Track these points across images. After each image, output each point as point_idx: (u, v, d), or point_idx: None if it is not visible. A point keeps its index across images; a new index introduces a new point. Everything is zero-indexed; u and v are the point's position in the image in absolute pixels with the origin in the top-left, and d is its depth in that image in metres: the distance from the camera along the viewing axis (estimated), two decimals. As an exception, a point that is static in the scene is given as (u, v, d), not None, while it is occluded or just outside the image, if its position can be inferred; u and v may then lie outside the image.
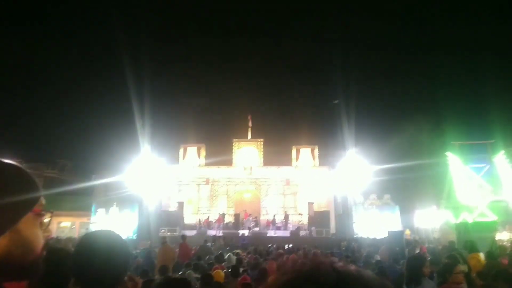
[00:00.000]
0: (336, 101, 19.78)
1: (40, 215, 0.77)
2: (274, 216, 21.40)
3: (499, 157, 14.37)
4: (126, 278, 1.46)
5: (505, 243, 9.38)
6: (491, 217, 13.07)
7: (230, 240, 15.68)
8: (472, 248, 6.55)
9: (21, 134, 18.71)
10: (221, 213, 21.70)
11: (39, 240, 0.76)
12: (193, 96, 32.61)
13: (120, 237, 1.18)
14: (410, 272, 3.48)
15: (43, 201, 0.79)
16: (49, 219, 0.80)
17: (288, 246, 14.12)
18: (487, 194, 14.11)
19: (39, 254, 0.75)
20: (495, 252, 5.54)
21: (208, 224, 20.85)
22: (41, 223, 0.78)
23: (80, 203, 21.53)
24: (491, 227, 9.67)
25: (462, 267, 3.37)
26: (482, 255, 6.04)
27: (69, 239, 13.48)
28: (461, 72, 32.74)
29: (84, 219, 21.74)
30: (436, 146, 18.10)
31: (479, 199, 13.81)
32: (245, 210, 22.08)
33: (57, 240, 15.25)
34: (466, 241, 7.33)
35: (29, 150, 19.07)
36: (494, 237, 9.21)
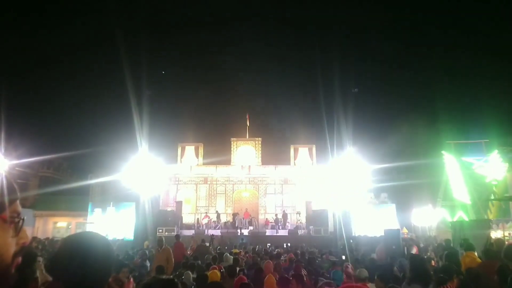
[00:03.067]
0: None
1: (7, 221, 0.72)
2: (276, 215, 21.50)
3: (493, 156, 14.60)
4: (110, 279, 1.45)
5: (499, 241, 9.54)
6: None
7: (228, 239, 15.76)
8: (468, 246, 6.67)
9: (16, 133, 18.47)
10: (207, 212, 21.81)
11: (7, 247, 0.71)
12: (192, 95, 32.56)
13: (104, 239, 1.17)
14: (416, 272, 3.49)
15: (18, 207, 0.74)
16: (21, 221, 0.75)
17: (286, 245, 14.24)
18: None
19: (10, 261, 0.71)
20: (491, 250, 5.66)
21: (207, 224, 20.88)
22: (14, 230, 0.73)
23: (76, 203, 21.35)
24: (486, 225, 9.86)
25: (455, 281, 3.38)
26: (476, 253, 6.17)
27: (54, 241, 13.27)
28: (456, 73, 33.07)
29: (81, 219, 21.57)
30: (432, 145, 18.32)
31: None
32: (246, 209, 22.18)
33: (52, 240, 15.15)
34: (462, 239, 7.46)
35: (24, 149, 18.82)
36: (489, 235, 9.37)
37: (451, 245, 8.66)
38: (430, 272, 3.41)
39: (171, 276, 4.79)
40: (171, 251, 7.84)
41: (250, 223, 20.53)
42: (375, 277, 4.28)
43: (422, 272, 3.32)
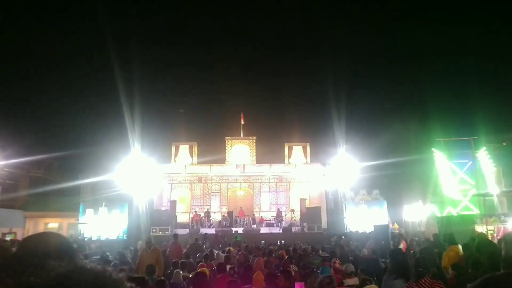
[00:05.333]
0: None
1: None
2: (276, 213, 21.68)
3: (481, 153, 15.00)
4: None
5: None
6: (475, 210, 13.68)
7: (222, 238, 15.90)
8: (451, 240, 6.94)
9: (5, 132, 18.25)
10: (199, 211, 21.90)
11: None
12: (185, 94, 32.46)
13: (63, 238, 1.19)
14: (397, 265, 3.67)
15: None
16: None
17: (280, 242, 14.43)
18: (470, 189, 14.76)
19: None
20: (468, 245, 5.93)
21: (200, 222, 20.97)
22: None
23: (67, 203, 21.11)
24: (470, 221, 10.18)
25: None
26: (460, 247, 6.43)
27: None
28: (445, 72, 33.67)
29: (72, 220, 21.42)
30: (422, 143, 18.69)
31: (461, 193, 14.41)
32: (241, 207, 22.35)
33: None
34: (446, 234, 7.74)
35: (13, 149, 18.57)
36: (473, 230, 9.69)
37: (440, 239, 8.96)
38: (408, 265, 3.60)
39: (143, 276, 4.78)
40: (160, 252, 7.59)
41: (246, 222, 20.71)
42: (359, 270, 4.47)
43: (402, 266, 3.51)
